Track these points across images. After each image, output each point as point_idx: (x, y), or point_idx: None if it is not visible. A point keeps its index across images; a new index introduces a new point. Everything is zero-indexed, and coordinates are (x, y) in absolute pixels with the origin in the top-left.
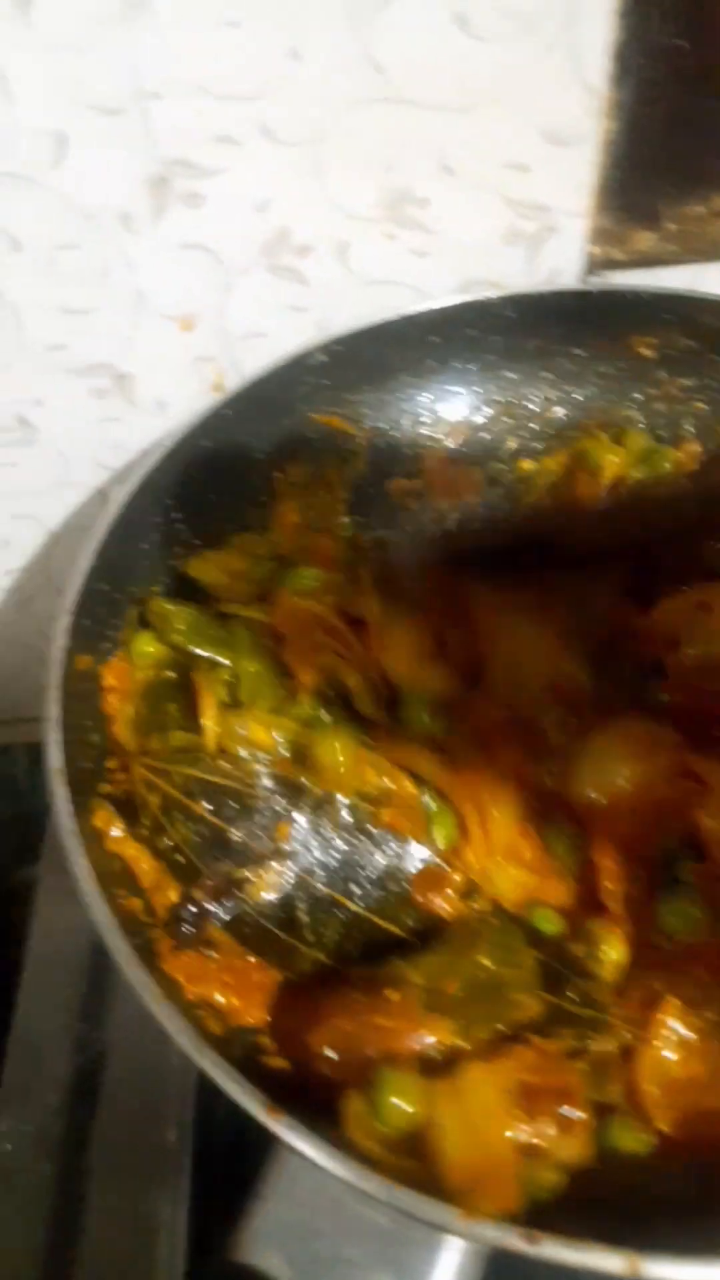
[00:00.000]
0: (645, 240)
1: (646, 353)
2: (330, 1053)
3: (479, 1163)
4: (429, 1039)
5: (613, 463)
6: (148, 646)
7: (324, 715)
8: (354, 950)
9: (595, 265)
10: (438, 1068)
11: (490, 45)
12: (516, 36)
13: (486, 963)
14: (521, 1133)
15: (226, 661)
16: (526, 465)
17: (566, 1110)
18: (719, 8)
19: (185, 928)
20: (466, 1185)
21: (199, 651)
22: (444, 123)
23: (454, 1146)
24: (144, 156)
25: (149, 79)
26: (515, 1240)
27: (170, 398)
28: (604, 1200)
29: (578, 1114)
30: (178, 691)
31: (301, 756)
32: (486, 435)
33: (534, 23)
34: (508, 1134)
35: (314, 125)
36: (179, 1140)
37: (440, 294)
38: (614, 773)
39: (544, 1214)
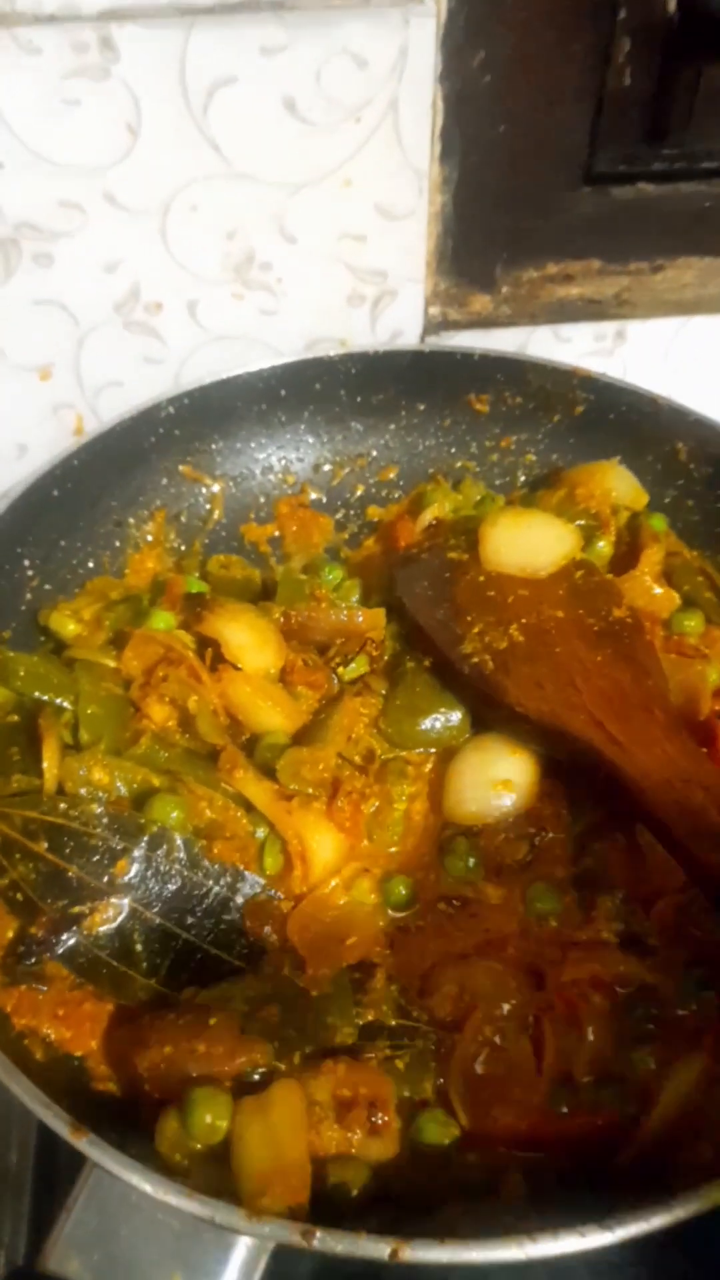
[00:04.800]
0: (481, 302)
1: (481, 409)
2: (152, 1075)
3: (274, 1169)
4: (245, 1062)
5: (440, 506)
6: None
7: (163, 755)
8: (188, 978)
9: (434, 326)
10: (254, 1087)
11: (319, 128)
12: (342, 121)
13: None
14: (331, 1141)
15: (68, 705)
16: (374, 511)
17: (376, 1116)
18: (531, 97)
19: (23, 962)
20: (259, 1189)
21: (40, 696)
22: (281, 196)
23: (252, 1155)
24: None
25: None
26: (293, 1236)
27: (30, 443)
28: (406, 1192)
29: (384, 1118)
30: (21, 735)
31: (140, 800)
32: (335, 483)
33: (357, 110)
34: (308, 1142)
35: (156, 195)
36: (20, 1162)
37: (289, 351)
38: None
39: (347, 1211)
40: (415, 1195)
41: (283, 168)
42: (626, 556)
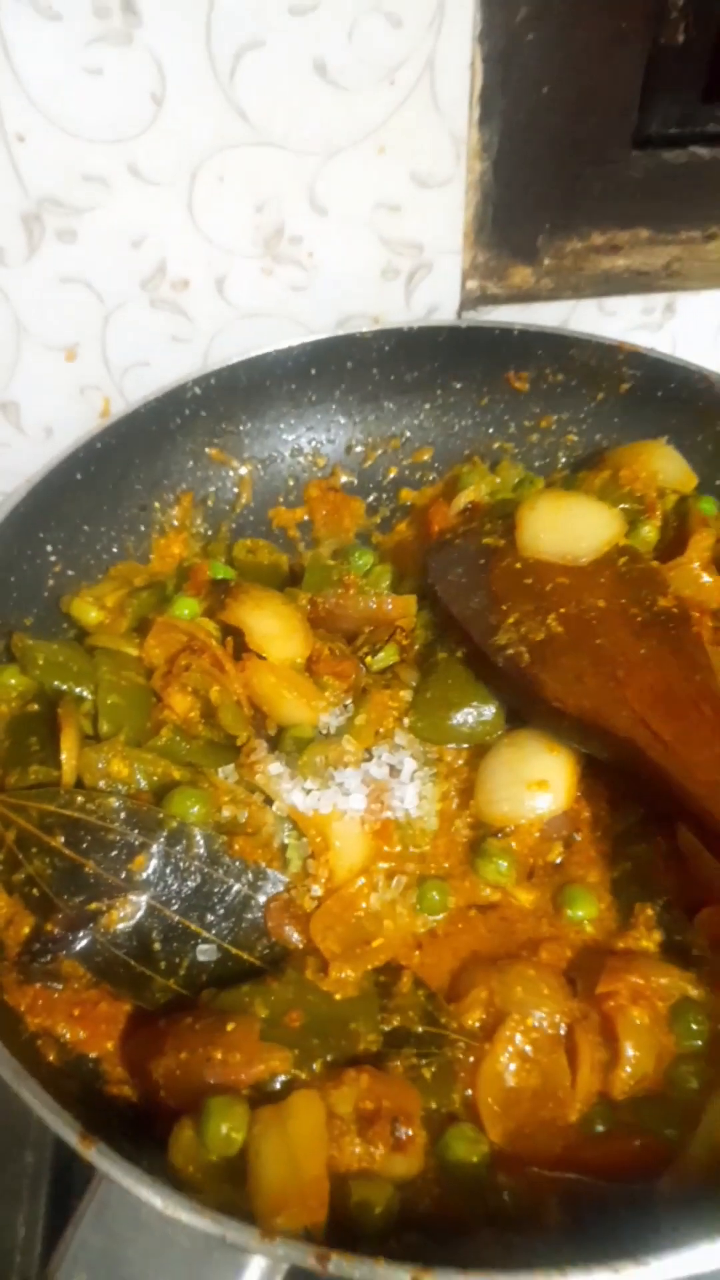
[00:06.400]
0: (521, 275)
1: (521, 386)
2: (168, 1082)
3: (290, 1185)
4: (263, 1070)
5: (476, 489)
6: (11, 679)
7: (184, 747)
8: (207, 979)
9: (472, 300)
10: (274, 1096)
11: (351, 92)
12: (376, 84)
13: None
14: (353, 1156)
15: (88, 695)
16: (407, 494)
17: (400, 1130)
18: (578, 56)
19: (39, 960)
20: (274, 1207)
21: (60, 685)
22: (312, 165)
23: (268, 1170)
24: (13, 194)
25: (13, 122)
26: (307, 1259)
27: (57, 425)
28: (432, 1213)
29: (409, 1133)
30: (41, 724)
31: (160, 793)
32: (367, 465)
33: (392, 71)
34: (327, 1157)
35: (182, 166)
36: (36, 1164)
37: (320, 328)
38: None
39: (369, 1233)
40: (443, 1219)
41: (313, 135)
42: (674, 542)
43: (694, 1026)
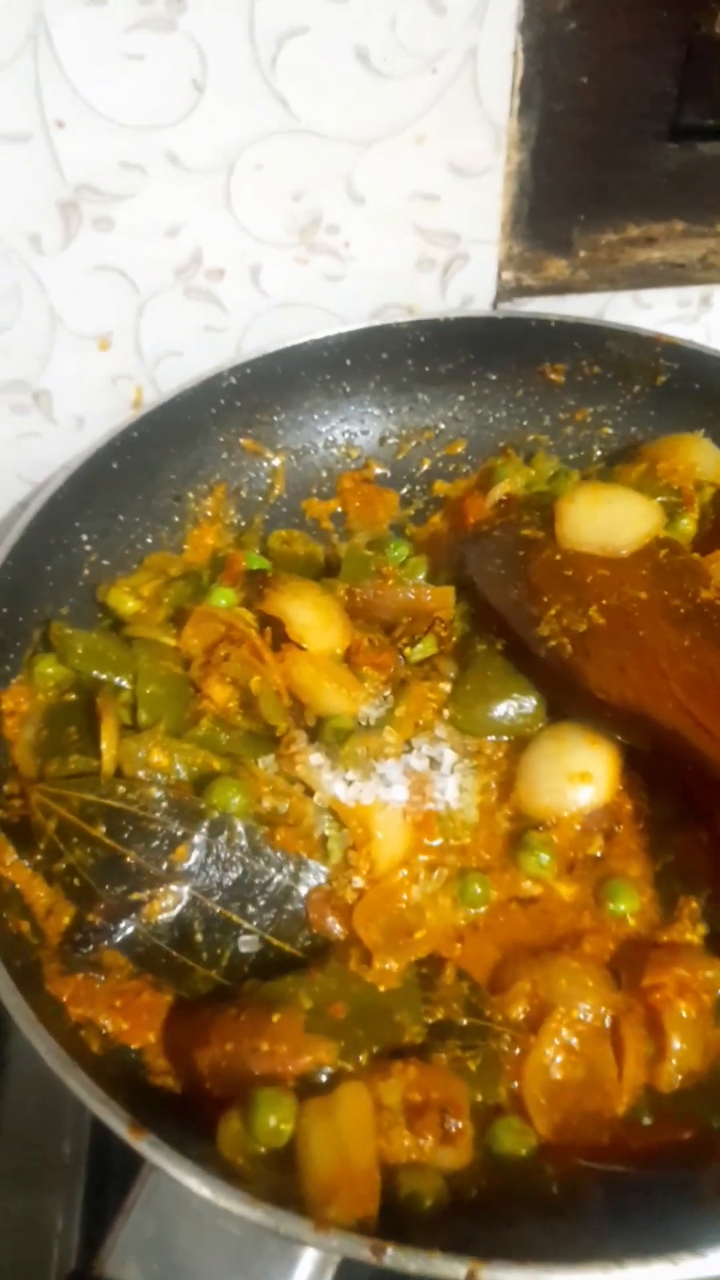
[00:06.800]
0: (557, 267)
1: (556, 378)
2: (213, 1073)
3: (341, 1176)
4: (310, 1062)
5: (512, 481)
6: (49, 668)
7: (223, 737)
8: (248, 970)
9: (507, 292)
10: (320, 1088)
11: (392, 81)
12: (417, 72)
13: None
14: (402, 1148)
15: (127, 684)
16: (441, 486)
17: (449, 1122)
18: (617, 45)
19: (80, 950)
20: (325, 1198)
21: (99, 674)
22: (351, 154)
23: (319, 1161)
24: (51, 181)
25: (53, 107)
26: (362, 1250)
27: (89, 414)
28: (479, 1203)
29: (459, 1125)
30: (80, 714)
31: (200, 784)
32: (401, 457)
33: (434, 60)
34: (376, 1149)
35: (220, 154)
36: (73, 1154)
37: (354, 318)
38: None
39: (418, 1223)
40: (488, 1207)
41: (353, 123)
42: (712, 534)
43: None
